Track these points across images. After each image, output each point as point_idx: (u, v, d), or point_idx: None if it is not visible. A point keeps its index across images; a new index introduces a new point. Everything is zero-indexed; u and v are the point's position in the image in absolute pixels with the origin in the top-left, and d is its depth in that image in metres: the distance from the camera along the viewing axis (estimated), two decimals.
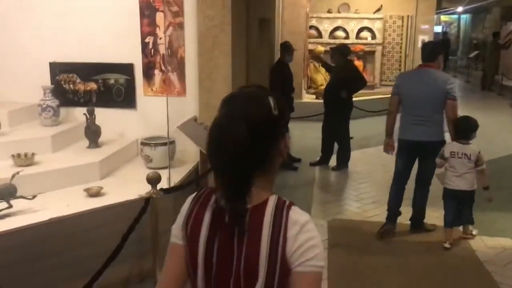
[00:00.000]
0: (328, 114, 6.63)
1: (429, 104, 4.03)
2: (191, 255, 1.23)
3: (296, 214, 1.17)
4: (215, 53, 3.76)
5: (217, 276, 1.20)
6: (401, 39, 11.95)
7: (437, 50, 4.17)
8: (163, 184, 3.21)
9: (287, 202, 1.20)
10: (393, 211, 4.38)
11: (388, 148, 4.47)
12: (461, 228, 4.30)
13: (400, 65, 12.09)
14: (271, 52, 7.02)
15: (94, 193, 3.27)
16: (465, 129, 4.00)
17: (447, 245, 4.06)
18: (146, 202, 2.54)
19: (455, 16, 25.14)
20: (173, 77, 4.24)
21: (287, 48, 6.52)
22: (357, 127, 8.41)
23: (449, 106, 3.99)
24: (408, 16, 11.82)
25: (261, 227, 1.15)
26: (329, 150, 6.73)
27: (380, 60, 11.92)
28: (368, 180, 6.22)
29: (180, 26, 4.11)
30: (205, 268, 1.21)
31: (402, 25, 11.88)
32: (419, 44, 11.90)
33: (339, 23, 11.66)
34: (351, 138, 7.50)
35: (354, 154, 6.91)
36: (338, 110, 6.43)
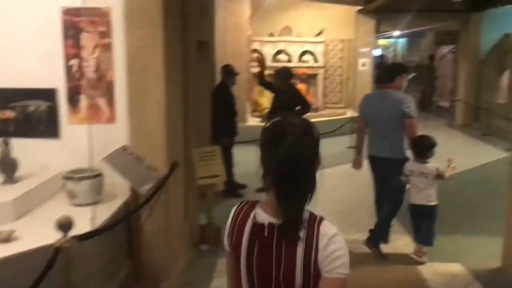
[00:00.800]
0: None
1: (388, 123, 4.22)
2: (236, 261, 1.46)
3: (326, 228, 1.40)
4: (146, 77, 3.45)
5: (259, 283, 1.43)
6: (342, 62, 12.12)
7: (395, 72, 4.39)
8: (86, 225, 2.83)
9: (318, 217, 1.44)
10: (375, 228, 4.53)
11: (356, 165, 4.69)
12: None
13: (342, 88, 12.23)
14: (212, 75, 6.76)
15: (4, 238, 2.83)
16: (421, 148, 4.13)
17: (421, 259, 4.25)
18: (55, 252, 2.15)
19: (393, 40, 26.16)
20: (101, 102, 3.87)
21: (229, 71, 6.31)
22: None
23: (407, 125, 4.15)
24: (348, 40, 12.02)
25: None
26: None
27: (323, 83, 12.00)
28: (313, 206, 6.03)
29: (108, 47, 3.77)
30: (248, 275, 1.44)
31: (343, 49, 12.06)
32: (360, 67, 12.14)
33: (281, 46, 11.67)
34: None
35: None
36: None
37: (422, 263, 4.22)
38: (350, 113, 11.06)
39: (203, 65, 6.01)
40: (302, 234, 1.38)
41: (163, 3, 3.39)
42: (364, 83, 12.32)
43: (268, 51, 11.62)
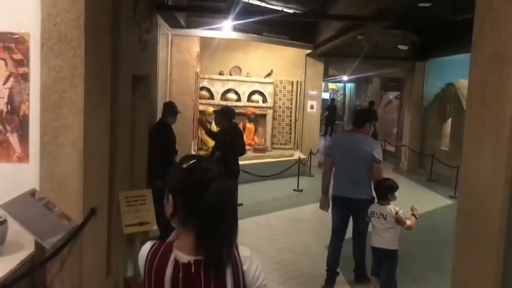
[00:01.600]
0: None
1: (356, 166, 4.41)
2: None
3: (243, 251, 1.58)
4: (63, 112, 3.04)
5: None
6: (291, 103, 12.07)
7: (364, 118, 4.64)
8: None
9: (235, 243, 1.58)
10: (331, 271, 4.63)
11: (324, 205, 4.79)
12: None
13: (290, 129, 12.13)
14: (152, 112, 6.40)
15: None
16: (382, 190, 4.24)
17: None
18: None
19: (341, 84, 26.86)
20: (13, 138, 3.39)
21: (170, 108, 5.97)
22: (247, 193, 7.98)
23: (374, 169, 4.36)
24: (297, 82, 12.04)
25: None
26: None
27: (271, 123, 11.87)
28: (257, 255, 5.65)
29: (24, 77, 3.34)
30: None
31: (292, 90, 12.05)
32: (308, 109, 12.13)
33: (230, 85, 11.51)
34: (240, 205, 7.00)
35: (243, 224, 6.36)
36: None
37: None
38: (298, 155, 10.90)
39: (142, 101, 5.65)
40: (228, 263, 1.52)
41: (86, 31, 3.04)
42: (312, 125, 12.30)
43: (217, 89, 11.41)
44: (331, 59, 12.11)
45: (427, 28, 11.14)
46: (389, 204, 4.20)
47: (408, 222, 4.10)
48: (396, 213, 4.10)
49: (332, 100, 24.22)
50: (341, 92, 28.15)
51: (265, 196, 8.66)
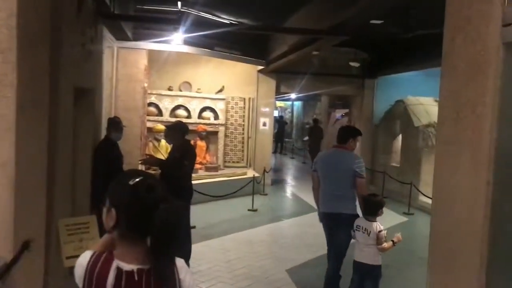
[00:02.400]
0: None
1: (339, 181, 4.46)
2: None
3: (178, 262, 1.66)
4: None
5: None
6: (243, 120, 11.79)
7: (348, 134, 4.66)
8: None
9: None
10: (326, 282, 4.58)
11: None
12: None
13: (243, 147, 11.82)
14: (97, 129, 5.88)
15: None
16: (372, 206, 4.26)
17: None
18: None
19: (289, 102, 27.01)
20: None
21: (114, 124, 5.48)
22: (199, 214, 7.54)
23: (357, 184, 4.40)
24: (249, 98, 11.79)
25: None
26: None
27: (223, 141, 11.51)
28: (213, 283, 5.22)
29: None
30: None
31: (244, 107, 11.78)
32: (261, 126, 11.89)
33: (180, 101, 11.08)
34: (193, 227, 6.55)
35: (196, 248, 5.91)
36: (174, 196, 5.38)
37: None
38: (251, 173, 10.57)
39: (85, 116, 5.14)
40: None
41: (19, 32, 2.58)
42: (265, 142, 12.06)
43: (166, 105, 10.95)
44: (282, 75, 11.98)
45: (377, 46, 11.29)
46: (375, 221, 4.22)
47: (385, 245, 4.12)
48: (380, 231, 4.13)
49: (281, 117, 24.25)
50: (289, 110, 28.31)
51: (218, 217, 8.24)
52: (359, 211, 4.45)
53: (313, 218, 8.62)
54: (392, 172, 11.03)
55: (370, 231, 4.13)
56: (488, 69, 2.38)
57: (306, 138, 19.76)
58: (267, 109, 11.99)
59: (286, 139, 23.65)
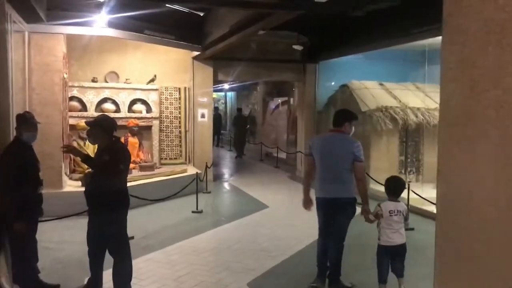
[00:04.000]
0: (92, 212, 4.51)
1: (338, 165, 4.45)
2: None
3: None
4: None
5: None
6: (180, 112, 10.79)
7: (343, 118, 4.63)
8: None
9: None
10: (322, 268, 4.61)
11: (307, 205, 4.73)
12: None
13: (180, 141, 10.83)
14: (3, 129, 4.73)
15: None
16: (396, 189, 4.44)
17: None
18: None
19: (222, 93, 26.08)
20: None
21: (23, 120, 4.36)
22: (137, 222, 6.54)
23: (356, 168, 4.44)
24: (185, 88, 10.81)
25: None
26: (99, 266, 4.57)
27: (158, 136, 10.46)
28: None
29: None
30: None
31: (180, 98, 10.77)
32: (199, 118, 10.96)
33: (107, 94, 9.88)
34: (131, 238, 5.56)
35: (137, 264, 4.97)
36: (107, 205, 4.34)
37: None
38: (192, 170, 9.61)
39: None
40: None
41: None
42: (205, 135, 11.14)
43: (91, 99, 9.70)
44: (220, 62, 11.07)
45: (318, 29, 10.71)
46: (399, 201, 4.43)
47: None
48: (407, 208, 4.47)
49: (216, 109, 23.32)
50: (222, 101, 27.39)
51: (159, 223, 7.25)
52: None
53: (264, 216, 7.97)
54: None
55: (403, 211, 4.33)
56: None
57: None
58: (205, 99, 11.05)
59: (223, 131, 22.82)
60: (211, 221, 7.63)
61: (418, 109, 9.74)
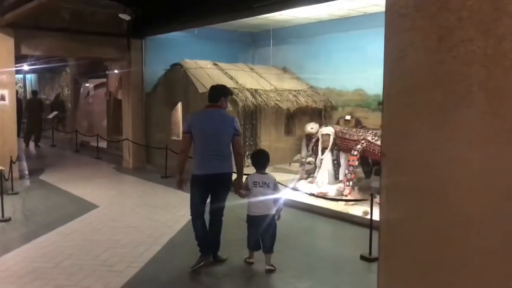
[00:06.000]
0: None
1: (219, 140, 4.54)
2: None
3: None
4: None
5: None
6: None
7: (219, 93, 4.69)
8: None
9: None
10: (204, 244, 4.61)
11: (181, 185, 4.61)
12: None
13: None
14: None
15: None
16: (261, 161, 4.65)
17: (251, 260, 4.64)
18: None
19: (20, 75, 22.32)
20: None
21: None
22: None
23: (237, 142, 4.61)
24: None
25: None
26: None
27: None
28: None
29: None
30: None
31: None
32: None
33: None
34: None
35: None
36: None
37: (274, 269, 4.50)
38: None
39: None
40: None
41: None
42: (6, 123, 8.89)
43: None
44: (23, 32, 8.92)
45: (143, 0, 9.48)
46: (267, 173, 4.63)
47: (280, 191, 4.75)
48: (275, 179, 4.59)
49: (16, 92, 19.78)
50: (21, 84, 23.53)
51: None
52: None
53: (96, 219, 6.42)
54: (174, 147, 9.54)
55: (269, 183, 4.50)
56: None
57: (52, 115, 16.50)
58: (4, 77, 8.78)
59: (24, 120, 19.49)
60: (25, 231, 5.88)
61: (255, 90, 9.36)
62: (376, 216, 5.70)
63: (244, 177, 4.68)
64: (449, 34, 1.76)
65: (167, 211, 6.87)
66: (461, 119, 1.77)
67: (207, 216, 4.68)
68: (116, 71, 11.80)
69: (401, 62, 1.99)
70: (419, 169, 1.91)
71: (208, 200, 4.66)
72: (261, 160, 4.65)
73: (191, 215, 4.64)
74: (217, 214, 4.64)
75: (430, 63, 1.86)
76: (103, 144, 13.18)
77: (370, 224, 4.74)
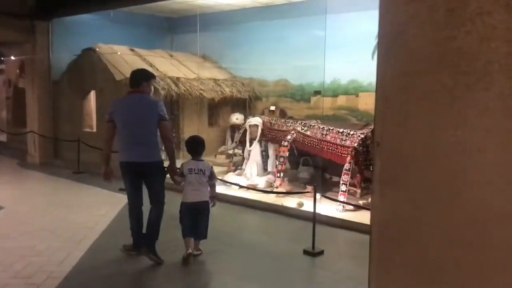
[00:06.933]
0: None
1: (144, 127, 4.33)
2: None
3: None
4: None
5: None
6: None
7: (140, 77, 4.47)
8: None
9: None
10: (137, 236, 4.50)
11: (108, 176, 4.49)
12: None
13: None
14: None
15: None
16: (195, 147, 4.54)
17: (190, 250, 4.34)
18: None
19: None
20: None
21: None
22: None
23: (163, 127, 4.38)
24: None
25: None
26: None
27: None
28: None
29: None
30: None
31: None
32: None
33: None
34: None
35: None
36: None
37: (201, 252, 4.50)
38: None
39: None
40: None
41: None
42: None
43: None
44: None
45: None
46: (203, 160, 4.51)
47: (216, 180, 4.62)
48: (212, 167, 4.52)
49: None
50: None
51: None
52: None
53: (2, 222, 5.63)
54: (87, 139, 8.76)
55: (204, 170, 4.41)
56: None
57: None
58: None
59: None
60: None
61: (178, 78, 8.87)
62: (309, 207, 5.60)
63: (178, 163, 4.56)
64: (461, 6, 1.59)
65: (85, 211, 6.23)
66: (474, 104, 1.59)
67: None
68: (15, 57, 10.59)
69: (399, 40, 1.79)
70: (422, 161, 1.71)
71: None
72: (196, 146, 4.53)
73: (128, 204, 4.57)
74: (155, 201, 4.45)
75: (437, 40, 1.67)
76: (2, 138, 11.89)
77: (313, 218, 4.59)
